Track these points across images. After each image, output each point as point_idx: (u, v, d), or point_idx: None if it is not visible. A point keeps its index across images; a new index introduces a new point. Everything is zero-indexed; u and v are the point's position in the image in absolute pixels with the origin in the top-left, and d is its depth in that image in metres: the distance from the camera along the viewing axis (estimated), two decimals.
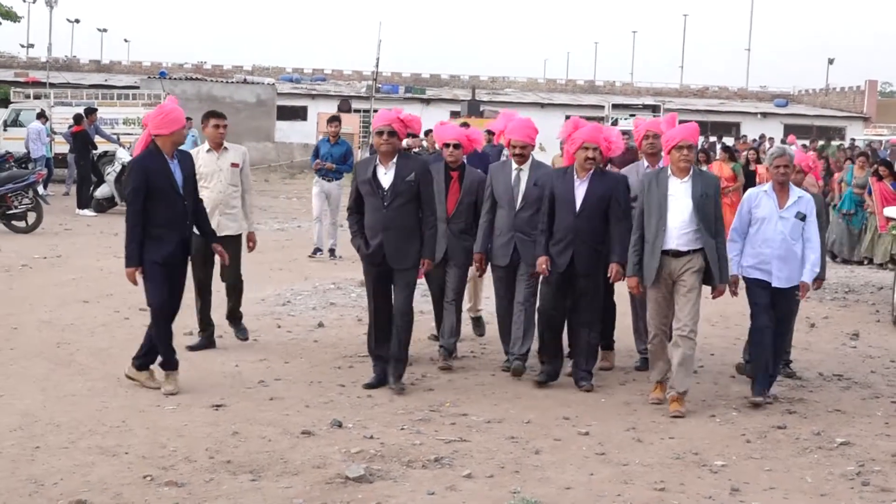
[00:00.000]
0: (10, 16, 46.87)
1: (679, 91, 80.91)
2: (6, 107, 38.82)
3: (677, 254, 9.15)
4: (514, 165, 10.17)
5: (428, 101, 65.33)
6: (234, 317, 11.26)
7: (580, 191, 9.58)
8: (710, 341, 12.01)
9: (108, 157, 24.52)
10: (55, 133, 30.80)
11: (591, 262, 9.59)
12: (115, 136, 28.01)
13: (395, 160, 9.35)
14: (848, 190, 20.47)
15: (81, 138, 25.52)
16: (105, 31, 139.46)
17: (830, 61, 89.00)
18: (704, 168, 18.01)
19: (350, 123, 36.02)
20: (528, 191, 10.05)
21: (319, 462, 7.48)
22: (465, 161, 10.76)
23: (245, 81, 51.19)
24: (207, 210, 10.13)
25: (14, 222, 20.30)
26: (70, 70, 71.13)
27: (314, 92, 66.48)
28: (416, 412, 8.76)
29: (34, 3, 79.14)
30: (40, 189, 21.12)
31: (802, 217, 9.41)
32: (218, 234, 10.23)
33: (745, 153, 25.36)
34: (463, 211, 10.44)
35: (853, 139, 49.75)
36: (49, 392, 8.89)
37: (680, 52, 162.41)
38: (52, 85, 48.83)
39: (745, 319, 10.31)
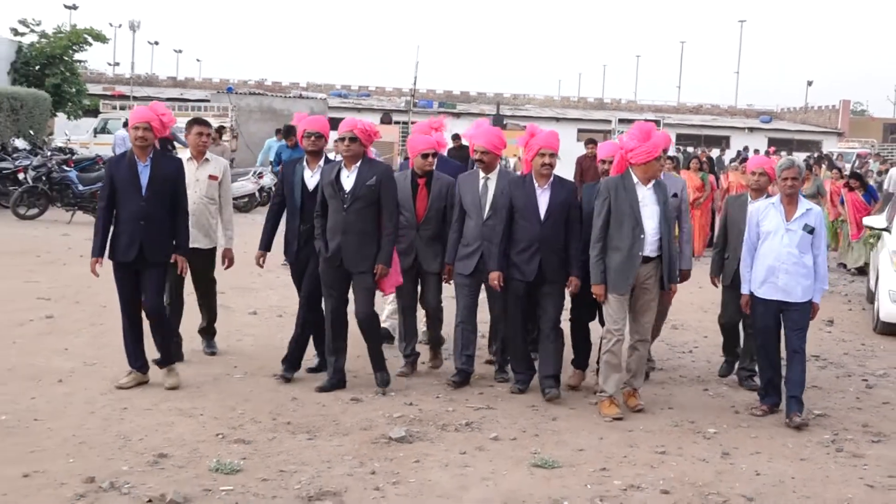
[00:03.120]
0: (99, 38, 46.86)
1: (677, 108, 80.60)
2: (96, 116, 39.07)
3: (646, 259, 8.11)
4: (482, 174, 8.93)
5: (458, 115, 65.20)
6: (207, 332, 9.69)
7: (543, 199, 8.44)
8: (704, 325, 11.98)
9: None
10: None
11: (558, 269, 8.46)
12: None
13: (358, 165, 8.35)
14: None
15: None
16: (181, 51, 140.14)
17: (809, 83, 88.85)
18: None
19: (391, 134, 35.88)
20: (497, 199, 8.75)
21: (366, 424, 7.51)
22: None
23: (300, 96, 51.06)
24: None
25: None
26: (150, 85, 71.49)
27: (360, 106, 66.52)
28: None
29: (120, 27, 79.77)
30: None
31: (811, 230, 8.15)
32: (191, 246, 8.77)
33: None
34: (433, 217, 9.01)
35: (828, 152, 49.42)
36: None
37: (678, 73, 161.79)
38: (135, 98, 49.08)
39: None
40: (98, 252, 8.19)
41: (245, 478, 6.26)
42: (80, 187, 20.76)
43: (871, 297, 14.00)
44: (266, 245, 9.07)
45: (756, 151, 46.70)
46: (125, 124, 30.35)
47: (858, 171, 24.50)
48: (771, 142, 63.00)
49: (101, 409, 7.60)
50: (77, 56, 45.76)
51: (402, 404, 8.09)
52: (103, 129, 35.00)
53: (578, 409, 8.22)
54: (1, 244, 16.81)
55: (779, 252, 8.14)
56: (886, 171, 27.98)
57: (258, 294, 12.76)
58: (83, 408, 7.63)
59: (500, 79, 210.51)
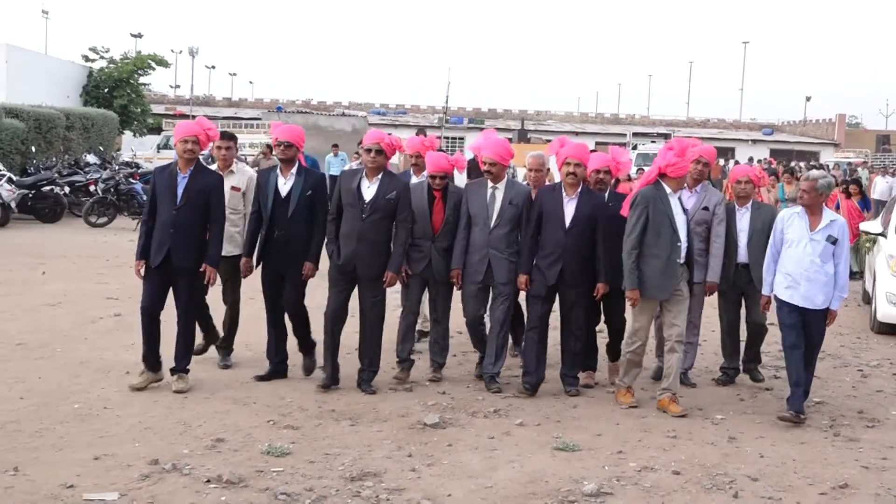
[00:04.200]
0: (162, 63, 47.39)
1: (686, 122, 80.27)
2: (159, 133, 39.44)
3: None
4: (490, 184, 8.36)
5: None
6: (225, 342, 8.90)
7: (569, 208, 8.04)
8: (712, 320, 11.77)
9: None
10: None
11: (578, 276, 8.04)
12: (242, 157, 28.07)
13: (379, 177, 7.99)
14: (782, 206, 17.84)
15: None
16: (235, 74, 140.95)
17: (808, 98, 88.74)
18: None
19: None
20: (504, 209, 8.24)
21: (403, 412, 7.52)
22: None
23: (343, 114, 51.38)
24: None
25: None
26: (208, 105, 71.97)
27: (397, 122, 66.73)
28: None
29: (181, 53, 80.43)
30: None
31: (833, 241, 7.69)
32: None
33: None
34: (450, 230, 8.40)
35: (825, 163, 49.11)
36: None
37: (687, 90, 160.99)
38: (194, 117, 49.26)
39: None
40: (141, 255, 7.95)
41: (294, 460, 6.27)
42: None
43: (866, 297, 13.65)
44: (249, 252, 8.35)
45: (759, 161, 46.49)
46: None
47: (847, 178, 24.05)
48: (772, 152, 62.70)
49: (164, 398, 7.65)
50: (142, 79, 46.24)
51: (435, 393, 8.09)
52: (165, 146, 35.38)
53: (597, 398, 8.17)
54: (74, 249, 16.96)
55: (801, 260, 7.69)
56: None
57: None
58: (147, 397, 7.68)
59: (524, 96, 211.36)
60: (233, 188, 8.66)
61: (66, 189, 22.55)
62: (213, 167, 8.70)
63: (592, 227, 8.04)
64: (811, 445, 7.10)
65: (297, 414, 7.36)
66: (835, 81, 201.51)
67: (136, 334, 9.77)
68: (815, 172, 8.01)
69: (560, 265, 8.03)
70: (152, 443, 6.52)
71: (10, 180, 21.09)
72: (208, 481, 5.82)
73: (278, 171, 8.26)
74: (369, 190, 7.97)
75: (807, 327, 7.79)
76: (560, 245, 8.02)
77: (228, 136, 8.82)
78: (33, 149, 25.74)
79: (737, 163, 25.67)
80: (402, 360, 8.54)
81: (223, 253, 8.28)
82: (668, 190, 7.80)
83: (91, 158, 27.65)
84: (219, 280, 8.31)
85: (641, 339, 7.89)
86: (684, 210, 7.95)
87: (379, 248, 7.99)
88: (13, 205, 20.93)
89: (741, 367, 9.07)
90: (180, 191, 7.79)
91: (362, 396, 7.89)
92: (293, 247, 8.16)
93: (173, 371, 7.97)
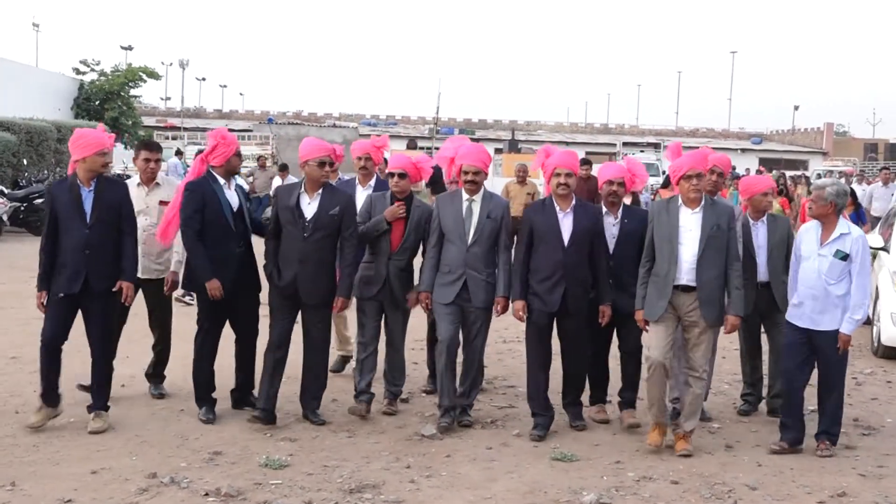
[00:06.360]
0: (153, 75, 47.48)
1: (675, 132, 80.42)
2: None
3: (687, 288, 6.92)
4: (465, 196, 7.42)
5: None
6: (155, 373, 8.19)
7: (566, 224, 7.16)
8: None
9: None
10: (189, 166, 31.12)
11: (581, 300, 7.22)
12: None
13: (320, 191, 7.25)
14: None
15: None
16: (225, 86, 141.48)
17: (796, 107, 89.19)
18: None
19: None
20: (482, 224, 7.33)
21: (400, 423, 7.51)
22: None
23: (334, 125, 51.39)
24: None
25: None
26: (198, 117, 71.83)
27: (388, 133, 66.59)
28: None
29: (171, 65, 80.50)
30: None
31: (843, 256, 6.94)
32: (141, 277, 7.47)
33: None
34: (408, 247, 7.65)
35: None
36: (189, 369, 8.74)
37: (675, 100, 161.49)
38: (185, 129, 49.40)
39: None
40: (45, 286, 6.96)
41: (292, 472, 6.26)
42: None
43: (867, 319, 11.74)
44: (214, 272, 7.32)
45: (747, 171, 46.43)
46: (177, 152, 30.72)
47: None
48: (761, 161, 62.85)
49: (161, 412, 7.63)
50: (133, 92, 46.34)
51: (432, 405, 8.04)
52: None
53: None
54: None
55: (808, 278, 7.06)
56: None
57: None
58: (144, 410, 7.65)
59: (514, 107, 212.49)
60: (161, 202, 7.86)
61: None
62: (133, 180, 8.02)
63: (591, 243, 7.27)
64: (807, 454, 7.10)
65: (294, 426, 7.34)
66: (822, 90, 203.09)
67: (132, 346, 9.75)
68: (824, 180, 7.44)
69: (562, 288, 7.16)
70: (150, 456, 6.49)
71: (1, 193, 21.04)
72: (206, 494, 5.80)
73: (223, 183, 7.45)
74: (310, 206, 7.24)
75: (818, 355, 7.15)
76: (560, 266, 7.14)
77: (157, 148, 8.10)
78: (25, 161, 25.69)
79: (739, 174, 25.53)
80: (360, 393, 7.75)
81: (151, 276, 7.82)
82: (679, 203, 7.07)
83: None
84: (144, 307, 7.90)
85: (652, 362, 7.02)
86: (711, 228, 6.96)
87: (324, 270, 7.27)
88: (5, 218, 20.87)
89: (763, 400, 8.37)
90: (88, 207, 6.91)
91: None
92: (249, 267, 7.48)
93: (91, 409, 7.15)
